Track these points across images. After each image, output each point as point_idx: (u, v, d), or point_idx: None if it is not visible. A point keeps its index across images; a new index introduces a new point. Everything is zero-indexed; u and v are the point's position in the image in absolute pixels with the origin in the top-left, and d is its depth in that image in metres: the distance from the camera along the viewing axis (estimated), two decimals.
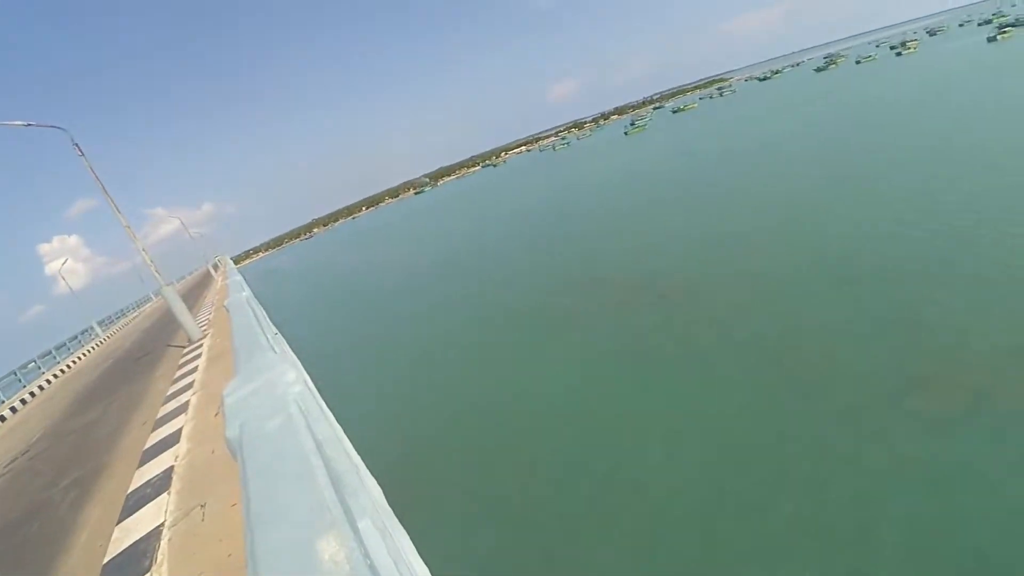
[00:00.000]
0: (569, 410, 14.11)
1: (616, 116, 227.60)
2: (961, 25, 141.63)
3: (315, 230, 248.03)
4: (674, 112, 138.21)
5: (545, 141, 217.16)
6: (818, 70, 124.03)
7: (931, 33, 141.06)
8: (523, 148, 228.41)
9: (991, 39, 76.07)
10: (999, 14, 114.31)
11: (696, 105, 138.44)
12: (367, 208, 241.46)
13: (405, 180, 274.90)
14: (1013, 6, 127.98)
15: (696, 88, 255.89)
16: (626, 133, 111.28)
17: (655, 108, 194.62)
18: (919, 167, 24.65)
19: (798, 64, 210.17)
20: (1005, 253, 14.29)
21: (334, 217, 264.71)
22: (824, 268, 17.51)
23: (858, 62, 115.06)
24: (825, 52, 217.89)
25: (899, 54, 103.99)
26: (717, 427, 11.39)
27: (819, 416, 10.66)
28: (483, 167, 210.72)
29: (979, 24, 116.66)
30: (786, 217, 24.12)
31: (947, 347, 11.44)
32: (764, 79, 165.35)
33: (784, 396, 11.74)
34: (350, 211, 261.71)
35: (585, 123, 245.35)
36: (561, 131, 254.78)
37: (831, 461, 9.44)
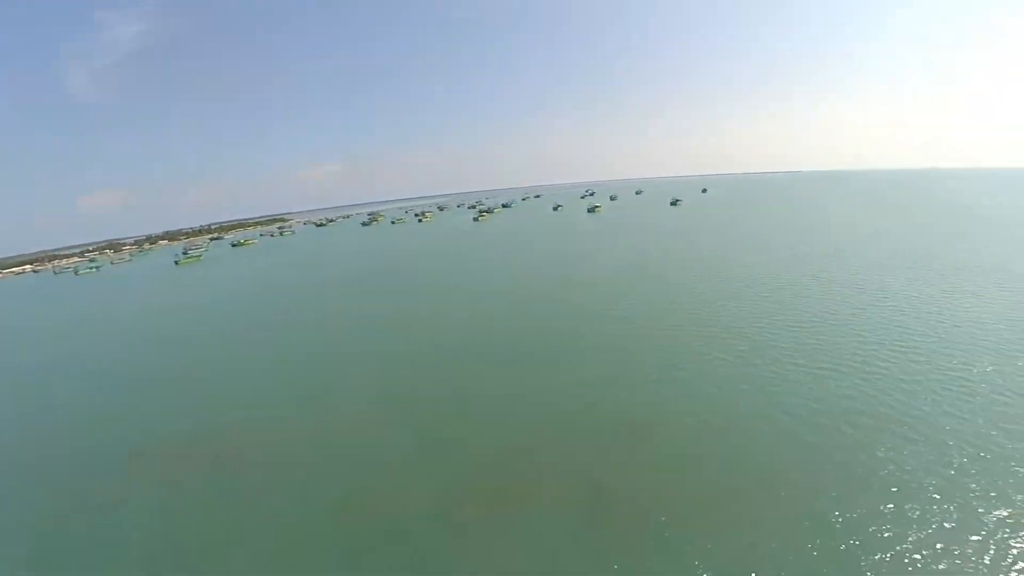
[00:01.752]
0: None
1: (167, 241, 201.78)
2: (458, 206, 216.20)
3: None
4: (234, 246, 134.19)
5: (66, 261, 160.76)
6: (364, 224, 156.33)
7: (440, 208, 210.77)
8: (27, 267, 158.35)
9: (475, 219, 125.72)
10: (479, 203, 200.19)
11: (257, 241, 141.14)
12: None
13: None
14: (484, 200, 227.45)
15: (257, 224, 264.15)
16: (177, 263, 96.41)
17: (213, 239, 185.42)
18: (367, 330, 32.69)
19: (348, 216, 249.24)
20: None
21: None
22: None
23: (393, 222, 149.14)
24: (370, 209, 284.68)
25: (420, 220, 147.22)
26: None
27: None
28: None
29: (468, 207, 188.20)
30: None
31: None
32: (320, 225, 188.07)
33: None
34: None
35: (125, 245, 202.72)
36: (92, 251, 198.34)
37: None
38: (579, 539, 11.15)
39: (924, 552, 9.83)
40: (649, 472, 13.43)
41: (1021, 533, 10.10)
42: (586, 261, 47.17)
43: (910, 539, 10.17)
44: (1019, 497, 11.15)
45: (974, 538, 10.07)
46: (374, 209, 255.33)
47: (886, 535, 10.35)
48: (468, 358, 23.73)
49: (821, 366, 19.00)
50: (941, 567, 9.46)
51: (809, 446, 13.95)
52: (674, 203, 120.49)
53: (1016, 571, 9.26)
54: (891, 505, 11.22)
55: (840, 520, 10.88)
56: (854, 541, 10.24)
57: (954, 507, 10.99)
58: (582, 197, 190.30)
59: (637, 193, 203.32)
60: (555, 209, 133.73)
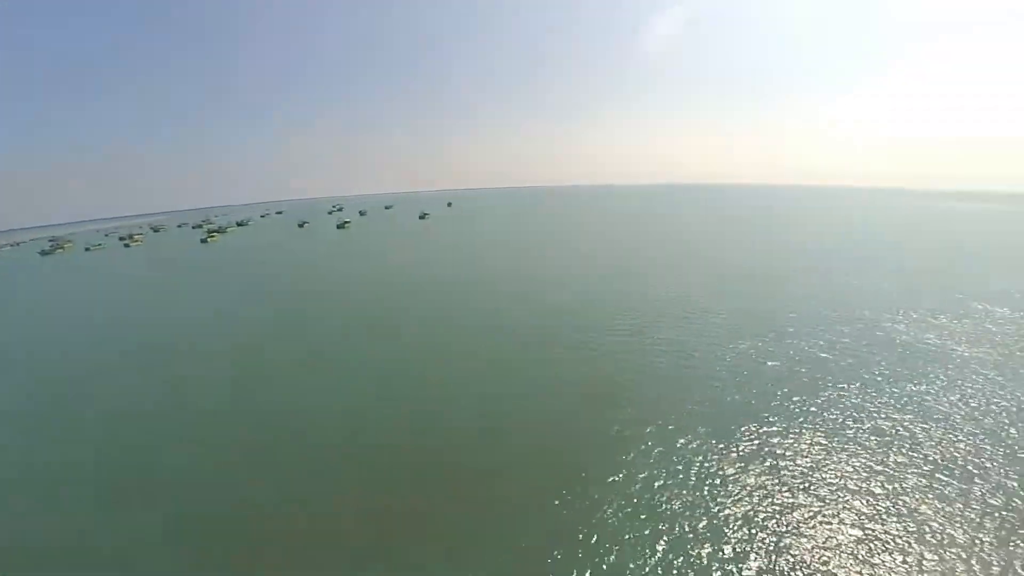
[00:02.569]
0: None
1: None
2: (179, 226, 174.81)
3: None
4: None
5: None
6: (44, 253, 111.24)
7: (155, 229, 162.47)
8: None
9: (203, 240, 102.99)
10: (207, 221, 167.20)
11: None
12: None
13: None
14: (216, 217, 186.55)
15: None
16: None
17: None
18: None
19: (18, 244, 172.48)
20: None
21: None
22: None
23: (87, 249, 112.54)
24: (50, 235, 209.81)
25: (127, 245, 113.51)
26: None
27: None
28: None
29: (193, 227, 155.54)
30: None
31: None
32: None
33: None
34: None
35: None
36: None
37: None
38: None
39: None
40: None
41: None
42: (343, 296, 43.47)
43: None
44: None
45: None
46: (55, 235, 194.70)
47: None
48: None
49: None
50: None
51: None
52: (422, 217, 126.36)
53: None
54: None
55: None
56: None
57: None
58: (329, 212, 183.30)
59: (387, 208, 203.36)
60: (300, 226, 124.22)
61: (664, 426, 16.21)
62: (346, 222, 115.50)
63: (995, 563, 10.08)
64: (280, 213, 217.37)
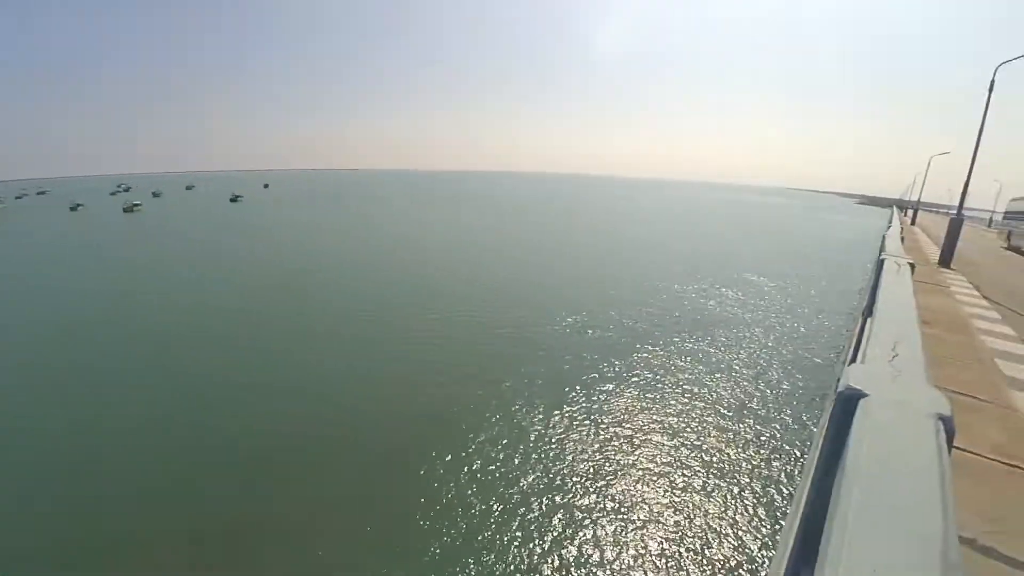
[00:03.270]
0: None
1: None
2: None
3: None
4: None
5: None
6: None
7: None
8: None
9: None
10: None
11: None
12: None
13: None
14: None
15: None
16: None
17: None
18: None
19: None
20: None
21: None
22: None
23: None
24: None
25: None
26: None
27: None
28: None
29: None
30: None
31: None
32: None
33: None
34: None
35: None
36: None
37: None
38: None
39: None
40: None
41: None
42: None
43: None
44: None
45: None
46: None
47: None
48: None
49: None
50: None
51: None
52: (234, 199, 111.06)
53: None
54: None
55: None
56: None
57: None
58: (112, 194, 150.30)
59: (188, 188, 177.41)
60: (73, 209, 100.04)
61: (501, 398, 15.68)
62: (136, 205, 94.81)
63: (764, 473, 12.19)
64: (43, 193, 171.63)
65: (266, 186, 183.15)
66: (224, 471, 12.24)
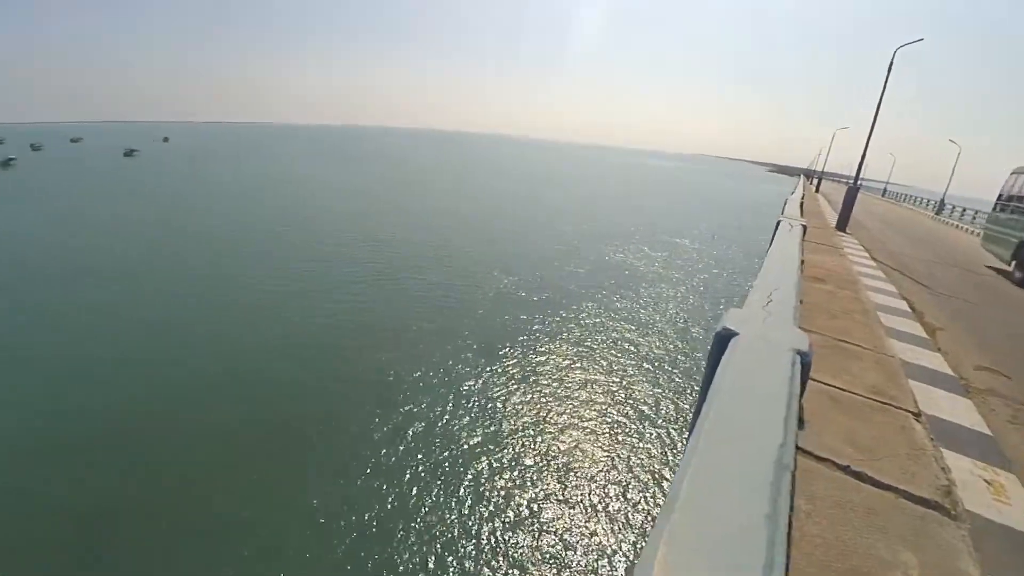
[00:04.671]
0: None
1: None
2: None
3: None
4: None
5: None
6: None
7: None
8: None
9: None
10: None
11: None
12: None
13: None
14: None
15: None
16: None
17: None
18: None
19: None
20: None
21: None
22: None
23: None
24: None
25: None
26: None
27: None
28: None
29: None
30: None
31: None
32: None
33: None
34: None
35: None
36: None
37: None
38: None
39: None
40: None
41: None
42: None
43: None
44: None
45: None
46: None
47: None
48: None
49: None
50: None
51: None
52: (129, 154, 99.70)
53: None
54: None
55: None
56: None
57: None
58: None
59: (74, 141, 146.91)
60: None
61: (440, 359, 15.75)
62: (10, 159, 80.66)
63: (670, 409, 13.20)
64: None
65: (166, 139, 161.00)
66: (104, 457, 10.85)
